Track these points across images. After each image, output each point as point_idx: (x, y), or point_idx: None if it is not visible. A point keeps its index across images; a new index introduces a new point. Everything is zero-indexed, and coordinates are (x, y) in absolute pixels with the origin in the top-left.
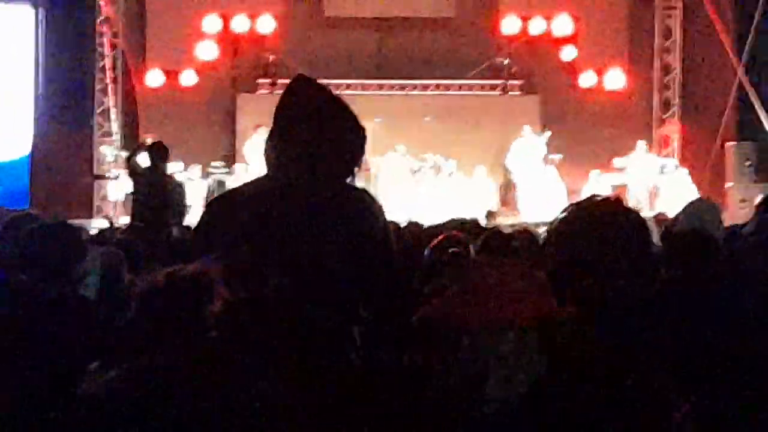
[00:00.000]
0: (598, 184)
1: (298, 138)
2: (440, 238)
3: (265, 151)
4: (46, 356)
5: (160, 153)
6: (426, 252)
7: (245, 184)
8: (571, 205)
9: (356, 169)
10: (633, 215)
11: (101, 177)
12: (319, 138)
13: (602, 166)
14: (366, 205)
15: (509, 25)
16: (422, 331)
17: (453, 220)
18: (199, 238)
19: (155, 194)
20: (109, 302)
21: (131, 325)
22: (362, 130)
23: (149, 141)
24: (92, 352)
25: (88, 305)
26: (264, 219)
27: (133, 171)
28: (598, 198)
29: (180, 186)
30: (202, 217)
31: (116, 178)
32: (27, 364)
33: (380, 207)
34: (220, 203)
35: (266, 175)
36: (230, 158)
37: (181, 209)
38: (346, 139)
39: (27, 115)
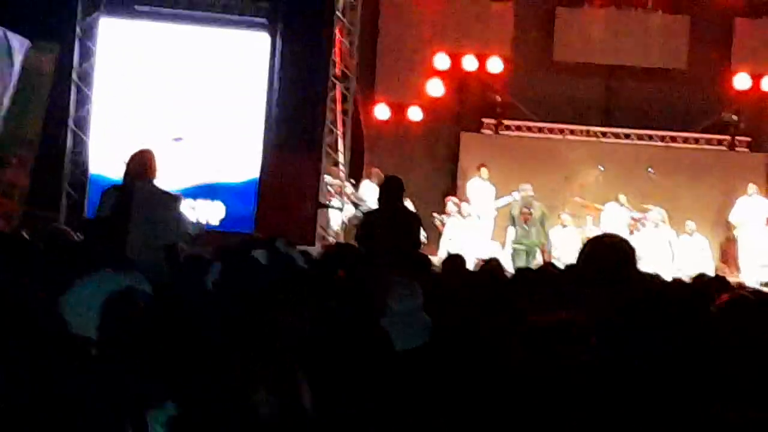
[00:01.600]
0: None
1: None
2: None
3: None
4: None
5: (398, 187)
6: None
7: None
8: None
9: None
10: None
11: (326, 206)
12: None
13: None
14: None
15: (740, 80)
16: None
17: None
18: None
19: (391, 227)
20: None
21: None
22: None
23: (374, 173)
24: None
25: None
26: None
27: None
28: None
29: (417, 218)
30: None
31: (340, 209)
32: None
33: None
34: None
35: None
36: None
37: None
38: None
39: (257, 140)
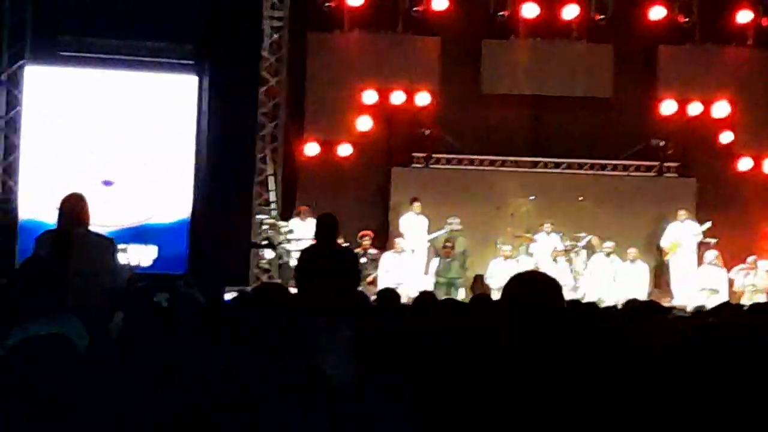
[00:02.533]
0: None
1: None
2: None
3: None
4: None
5: (332, 224)
6: None
7: None
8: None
9: None
10: None
11: (258, 245)
12: None
13: (758, 252)
14: None
15: (666, 107)
16: None
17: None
18: None
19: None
20: None
21: None
22: None
23: (304, 211)
24: None
25: None
26: None
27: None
28: None
29: (355, 255)
30: None
31: (274, 247)
32: None
33: None
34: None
35: None
36: (382, 231)
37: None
38: None
39: (187, 180)
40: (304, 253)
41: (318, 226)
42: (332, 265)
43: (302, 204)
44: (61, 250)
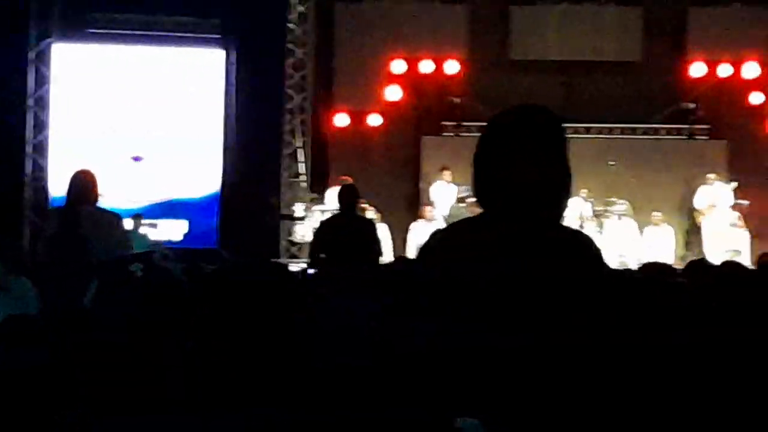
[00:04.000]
0: None
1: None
2: None
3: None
4: None
5: (351, 194)
6: None
7: (463, 220)
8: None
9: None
10: None
11: (288, 217)
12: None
13: None
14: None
15: (696, 69)
16: None
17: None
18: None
19: (346, 236)
20: None
21: None
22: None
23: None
24: None
25: None
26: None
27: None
28: None
29: (374, 226)
30: (423, 248)
31: (303, 219)
32: None
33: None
34: (438, 236)
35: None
36: (413, 200)
37: (377, 247)
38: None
39: (216, 155)
40: (322, 224)
41: (339, 196)
42: (349, 236)
43: (337, 175)
44: (68, 226)
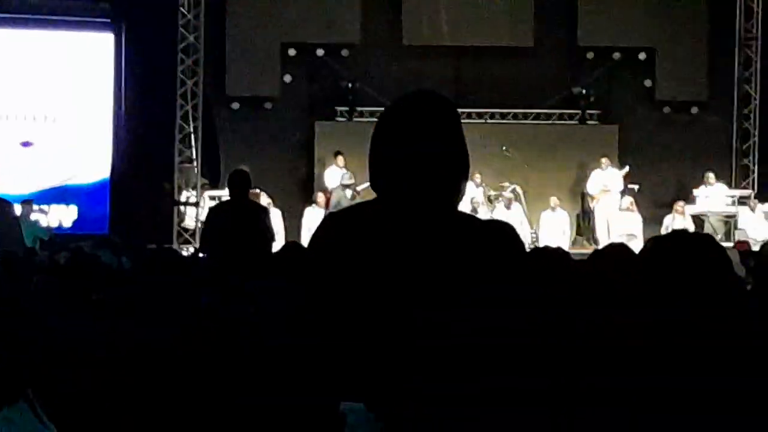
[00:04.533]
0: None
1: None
2: None
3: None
4: None
5: (242, 180)
6: None
7: (357, 205)
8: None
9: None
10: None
11: (181, 203)
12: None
13: (680, 197)
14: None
15: (587, 54)
16: None
17: None
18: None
19: (237, 222)
20: None
21: None
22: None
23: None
24: None
25: None
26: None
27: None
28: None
29: (265, 212)
30: (317, 234)
31: (196, 204)
32: None
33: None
34: (333, 221)
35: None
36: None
37: (270, 234)
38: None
39: (106, 140)
40: (212, 210)
41: (228, 182)
42: (239, 223)
43: (229, 160)
44: None
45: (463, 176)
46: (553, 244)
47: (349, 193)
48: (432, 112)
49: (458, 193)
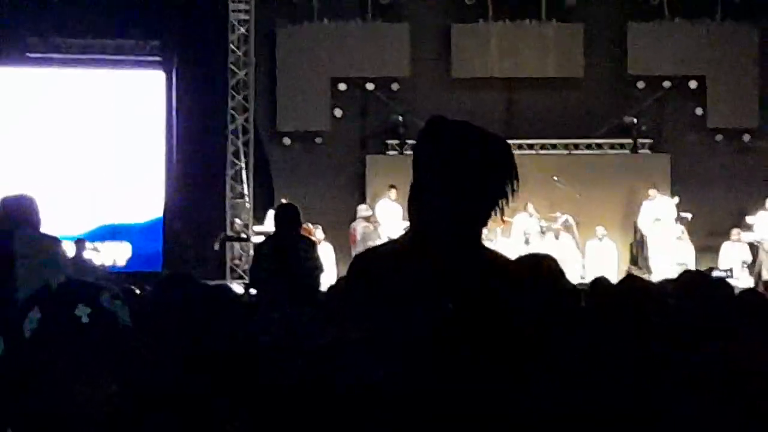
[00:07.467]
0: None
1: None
2: None
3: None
4: None
5: (291, 214)
6: None
7: (389, 242)
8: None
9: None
10: None
11: (233, 239)
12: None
13: (734, 225)
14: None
15: (637, 83)
16: None
17: None
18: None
19: (282, 257)
20: None
21: None
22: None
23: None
24: None
25: None
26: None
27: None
28: None
29: (312, 244)
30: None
31: (247, 239)
32: None
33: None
34: (363, 260)
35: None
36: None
37: (314, 270)
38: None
39: (159, 178)
40: (260, 245)
41: (275, 216)
42: (282, 258)
43: (281, 196)
44: (3, 254)
45: (492, 207)
46: (598, 274)
47: (367, 225)
48: (476, 151)
49: (483, 224)
